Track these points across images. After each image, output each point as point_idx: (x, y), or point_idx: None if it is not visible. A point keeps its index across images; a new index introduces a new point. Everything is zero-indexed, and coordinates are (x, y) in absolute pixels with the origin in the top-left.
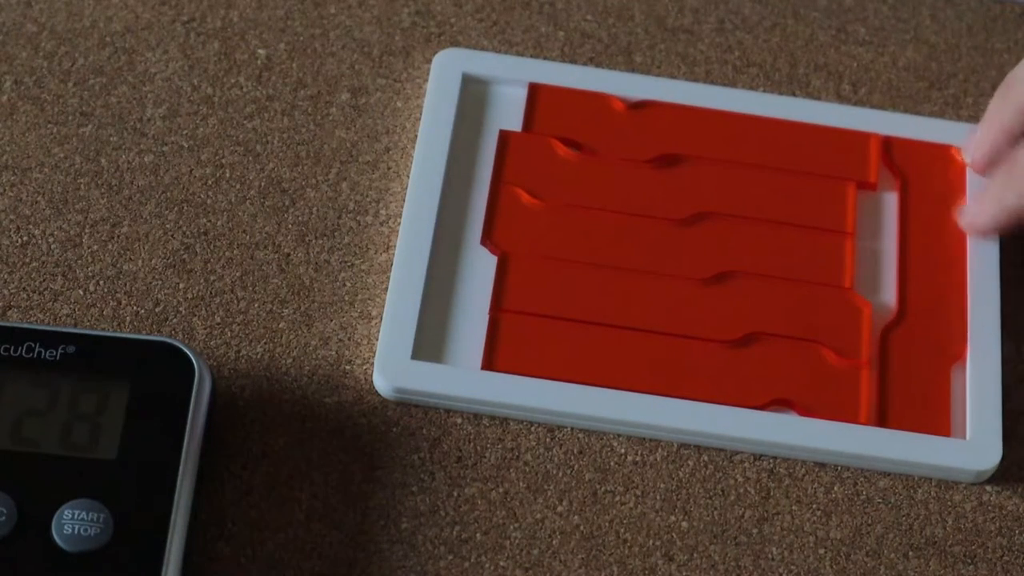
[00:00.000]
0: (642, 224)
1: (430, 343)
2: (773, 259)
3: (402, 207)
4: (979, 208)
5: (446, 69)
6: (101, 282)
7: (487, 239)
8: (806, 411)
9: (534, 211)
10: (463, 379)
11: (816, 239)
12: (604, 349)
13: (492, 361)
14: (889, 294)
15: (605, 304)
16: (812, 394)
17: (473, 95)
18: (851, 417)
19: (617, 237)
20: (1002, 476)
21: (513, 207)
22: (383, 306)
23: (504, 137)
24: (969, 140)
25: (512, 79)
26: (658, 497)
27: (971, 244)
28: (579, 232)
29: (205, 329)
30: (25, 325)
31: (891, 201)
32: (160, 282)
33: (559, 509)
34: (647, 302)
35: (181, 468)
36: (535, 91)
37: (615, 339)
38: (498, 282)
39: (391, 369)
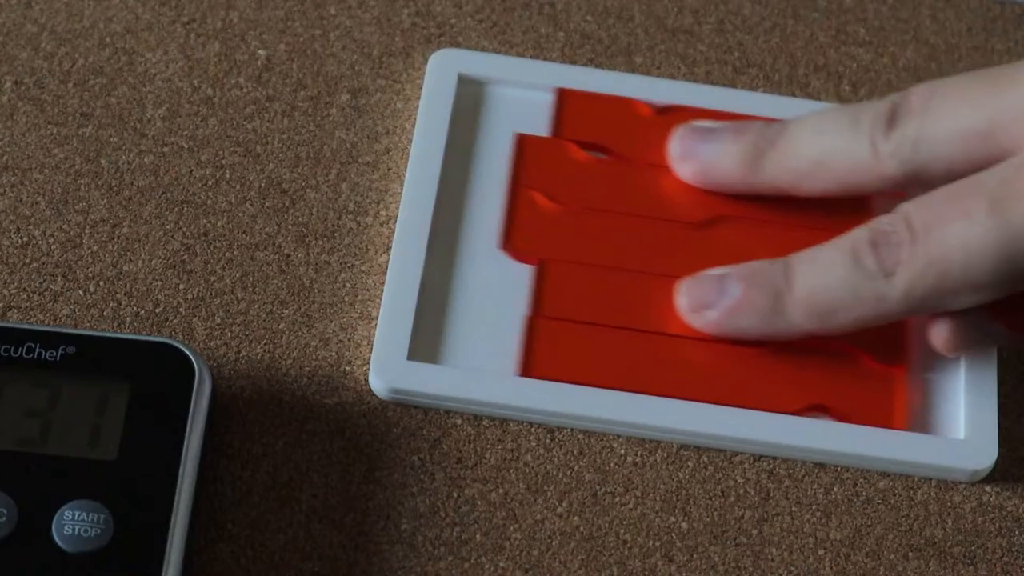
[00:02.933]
0: (662, 227)
1: (426, 344)
2: None
3: None
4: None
5: (441, 70)
6: (101, 283)
7: (508, 244)
8: (842, 417)
9: (552, 215)
10: (459, 380)
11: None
12: (623, 353)
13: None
14: None
15: (625, 308)
16: (848, 400)
17: (469, 96)
18: (885, 422)
19: (636, 240)
20: (1002, 477)
21: (530, 211)
22: None
23: (521, 140)
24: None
25: (508, 79)
26: (658, 498)
27: None
28: (596, 235)
29: (205, 330)
30: (25, 326)
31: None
32: (160, 283)
33: (559, 510)
34: (668, 305)
35: (181, 468)
36: (563, 97)
37: (636, 343)
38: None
39: (386, 369)
